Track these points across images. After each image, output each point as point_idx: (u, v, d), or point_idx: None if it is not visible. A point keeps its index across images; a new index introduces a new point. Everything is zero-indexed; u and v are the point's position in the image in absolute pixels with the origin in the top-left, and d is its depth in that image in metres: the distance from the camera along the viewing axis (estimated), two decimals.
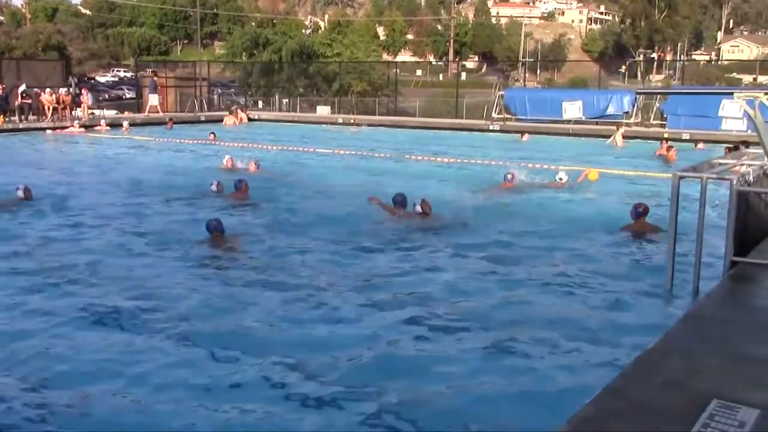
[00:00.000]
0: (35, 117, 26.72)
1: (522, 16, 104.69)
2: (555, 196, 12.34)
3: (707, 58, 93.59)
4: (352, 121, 31.18)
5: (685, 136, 23.23)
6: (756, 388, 3.48)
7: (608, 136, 23.42)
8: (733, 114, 23.58)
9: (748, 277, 5.75)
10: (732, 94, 7.21)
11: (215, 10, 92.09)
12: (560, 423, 3.12)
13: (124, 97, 44.84)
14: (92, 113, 29.23)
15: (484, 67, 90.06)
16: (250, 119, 32.73)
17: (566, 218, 10.22)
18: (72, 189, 12.65)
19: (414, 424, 4.24)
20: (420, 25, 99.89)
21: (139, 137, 23.83)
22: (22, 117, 26.15)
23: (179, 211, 10.83)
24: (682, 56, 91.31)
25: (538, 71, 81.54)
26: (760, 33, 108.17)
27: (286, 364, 5.00)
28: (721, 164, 6.92)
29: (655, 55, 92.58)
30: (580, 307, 6.31)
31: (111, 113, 31.78)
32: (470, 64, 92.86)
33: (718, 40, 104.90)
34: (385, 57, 79.18)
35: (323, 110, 35.46)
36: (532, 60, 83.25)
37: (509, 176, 12.93)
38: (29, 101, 26.41)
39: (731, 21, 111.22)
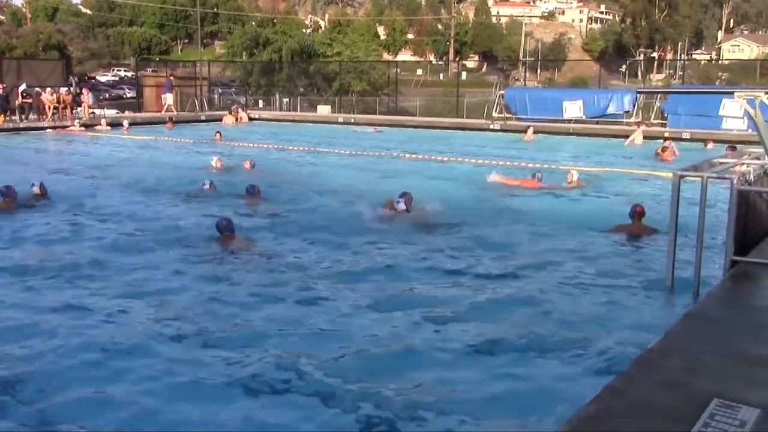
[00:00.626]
0: (36, 116, 26.72)
1: (522, 16, 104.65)
2: (555, 196, 12.34)
3: (708, 57, 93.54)
4: (352, 120, 31.17)
5: (686, 136, 23.22)
6: (756, 388, 3.47)
7: (608, 136, 23.40)
8: (733, 113, 23.55)
9: (748, 277, 5.74)
10: (732, 93, 7.21)
11: (215, 10, 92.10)
12: (560, 423, 3.11)
13: (124, 96, 44.84)
14: (92, 113, 29.22)
15: (485, 66, 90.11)
16: (250, 119, 32.73)
17: (566, 218, 10.21)
18: (73, 188, 12.63)
19: (414, 424, 4.24)
20: (420, 24, 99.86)
21: (144, 137, 23.82)
22: (23, 116, 26.15)
23: (187, 209, 10.88)
24: (682, 56, 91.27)
25: (539, 71, 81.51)
26: (760, 32, 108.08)
27: (290, 362, 5.00)
28: (721, 163, 6.92)
29: (655, 55, 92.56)
30: (580, 307, 6.30)
31: (111, 113, 31.78)
32: (471, 64, 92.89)
33: (719, 40, 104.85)
34: (386, 56, 79.18)
35: (323, 110, 35.47)
36: (532, 59, 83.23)
37: (539, 175, 13.05)
38: (30, 101, 26.41)
39: (732, 20, 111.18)
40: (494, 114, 28.74)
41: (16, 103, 26.04)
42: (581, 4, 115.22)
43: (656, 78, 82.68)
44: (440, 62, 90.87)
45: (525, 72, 56.67)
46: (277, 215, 10.38)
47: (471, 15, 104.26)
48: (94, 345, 5.36)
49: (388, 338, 5.53)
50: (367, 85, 41.42)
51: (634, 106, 26.77)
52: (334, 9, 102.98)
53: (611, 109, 26.87)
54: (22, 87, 26.21)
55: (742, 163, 6.96)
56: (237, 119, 31.55)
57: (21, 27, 59.44)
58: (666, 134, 22.65)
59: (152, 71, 40.92)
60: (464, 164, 17.11)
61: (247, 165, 14.81)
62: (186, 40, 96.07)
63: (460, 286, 6.94)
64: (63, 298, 6.43)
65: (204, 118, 31.81)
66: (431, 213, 10.05)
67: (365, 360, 5.12)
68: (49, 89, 26.77)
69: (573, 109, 27.10)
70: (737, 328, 4.50)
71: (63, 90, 27.40)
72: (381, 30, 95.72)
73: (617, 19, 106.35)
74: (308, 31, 68.67)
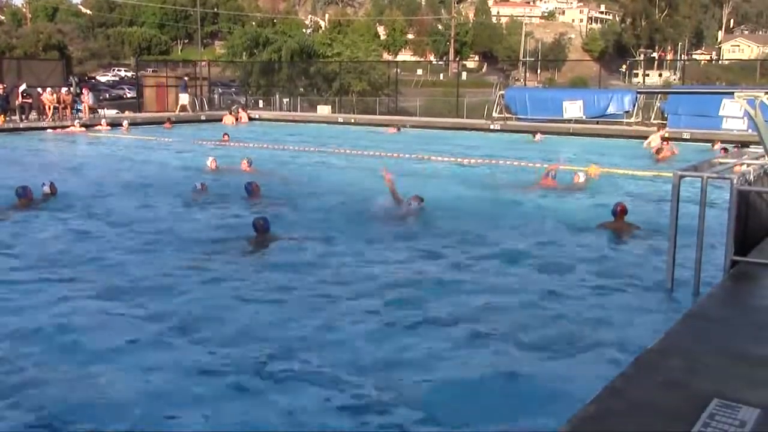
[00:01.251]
0: (36, 116, 26.72)
1: (522, 16, 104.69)
2: (555, 196, 12.34)
3: (708, 57, 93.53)
4: (353, 120, 31.16)
5: (686, 136, 23.21)
6: (756, 388, 3.47)
7: (608, 136, 23.37)
8: (733, 113, 23.55)
9: (748, 277, 5.74)
10: (732, 93, 7.21)
11: (216, 10, 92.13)
12: (560, 423, 3.12)
13: (124, 96, 44.85)
14: (95, 111, 29.21)
15: (485, 66, 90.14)
16: (251, 119, 32.71)
17: (565, 218, 10.22)
18: (74, 188, 12.64)
19: (414, 424, 4.24)
20: (420, 24, 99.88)
21: (144, 137, 23.83)
22: (23, 116, 26.15)
23: (187, 209, 10.92)
24: (682, 56, 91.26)
25: (539, 71, 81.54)
26: (760, 32, 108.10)
27: (291, 361, 5.01)
28: (721, 163, 6.92)
29: (655, 55, 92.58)
30: (580, 307, 6.30)
31: (111, 113, 31.80)
32: (471, 64, 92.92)
33: (719, 40, 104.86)
34: (386, 56, 79.16)
35: (324, 110, 35.46)
36: (532, 59, 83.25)
37: (553, 173, 13.09)
38: (30, 101, 26.41)
39: (732, 20, 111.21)
40: (494, 114, 28.74)
41: (17, 103, 26.04)
42: (581, 4, 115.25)
43: (657, 79, 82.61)
44: (440, 62, 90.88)
45: (525, 72, 56.66)
46: (278, 213, 10.41)
47: (471, 15, 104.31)
48: (98, 344, 5.37)
49: (388, 337, 5.53)
50: (367, 85, 41.40)
51: (634, 106, 26.77)
52: (334, 9, 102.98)
53: (611, 110, 26.87)
54: (23, 87, 26.21)
55: (742, 163, 6.96)
56: (237, 119, 31.56)
57: (21, 27, 59.41)
58: (666, 134, 22.63)
59: (152, 71, 40.88)
60: (481, 166, 17.04)
61: (243, 164, 14.80)
62: (186, 40, 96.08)
63: (459, 285, 6.94)
64: (65, 295, 6.46)
65: (204, 118, 31.81)
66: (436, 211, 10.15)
67: (366, 357, 5.13)
68: (49, 89, 26.77)
69: (573, 109, 27.10)
70: (737, 328, 4.50)
71: (63, 90, 27.40)
72: (381, 30, 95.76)
73: (617, 19, 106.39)
74: (308, 31, 68.69)
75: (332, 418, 4.32)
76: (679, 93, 26.89)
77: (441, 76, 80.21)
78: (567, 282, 7.05)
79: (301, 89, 41.09)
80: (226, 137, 22.52)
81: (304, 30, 66.33)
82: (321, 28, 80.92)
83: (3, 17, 72.83)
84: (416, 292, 6.71)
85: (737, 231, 5.87)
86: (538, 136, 24.01)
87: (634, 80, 78.29)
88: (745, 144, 15.78)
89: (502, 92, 29.68)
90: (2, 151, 19.43)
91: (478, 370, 4.97)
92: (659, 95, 28.10)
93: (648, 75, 80.00)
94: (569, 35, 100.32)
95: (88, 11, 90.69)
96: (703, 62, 78.43)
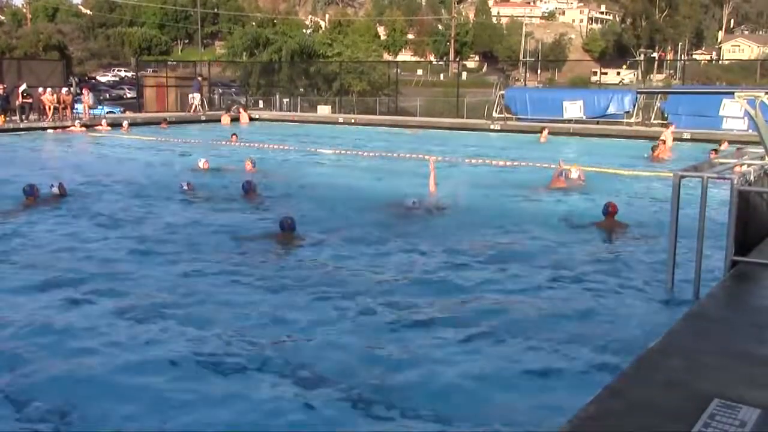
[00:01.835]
0: (36, 117, 26.72)
1: (523, 16, 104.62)
2: (555, 195, 12.34)
3: (708, 57, 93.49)
4: (353, 120, 31.13)
5: (686, 136, 23.20)
6: (757, 388, 3.47)
7: (607, 136, 23.31)
8: (733, 113, 23.55)
9: (748, 277, 5.74)
10: (733, 93, 7.21)
11: (216, 10, 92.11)
12: (560, 423, 3.11)
13: (125, 96, 44.83)
14: (98, 110, 29.20)
15: (485, 66, 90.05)
16: (251, 119, 32.67)
17: (565, 217, 10.22)
18: (76, 188, 12.63)
19: (414, 424, 4.24)
20: (421, 24, 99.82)
21: (145, 137, 23.82)
22: (23, 117, 26.15)
23: (188, 210, 10.95)
24: (682, 56, 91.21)
25: (539, 71, 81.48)
26: (760, 32, 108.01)
27: (295, 360, 5.01)
28: (721, 163, 6.91)
29: (655, 55, 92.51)
30: (581, 307, 6.31)
31: (114, 111, 31.79)
32: (471, 64, 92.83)
33: (719, 40, 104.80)
34: (386, 57, 79.13)
35: (324, 110, 35.45)
36: (532, 60, 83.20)
37: (565, 173, 13.15)
38: (30, 101, 26.40)
39: (732, 21, 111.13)
40: (494, 114, 28.73)
41: (17, 103, 26.04)
42: (581, 4, 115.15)
43: (656, 78, 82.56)
44: (440, 62, 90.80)
45: (525, 72, 56.58)
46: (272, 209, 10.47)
47: (471, 15, 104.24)
48: (104, 342, 5.38)
49: (390, 337, 5.53)
50: (368, 85, 41.38)
51: (634, 106, 26.77)
52: (335, 9, 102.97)
53: (611, 110, 26.87)
54: (23, 87, 26.20)
55: (742, 163, 6.95)
56: (233, 120, 31.34)
57: (21, 27, 59.39)
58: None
59: (152, 71, 40.86)
60: (493, 166, 17.01)
61: (248, 165, 14.80)
62: (186, 41, 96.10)
63: (459, 285, 6.94)
64: (68, 295, 6.48)
65: (204, 119, 31.80)
66: (437, 211, 10.17)
67: (367, 355, 5.13)
68: (49, 89, 26.76)
69: (573, 109, 27.10)
70: (737, 328, 4.50)
71: (63, 90, 27.40)
72: (381, 30, 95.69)
73: (617, 19, 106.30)
74: (308, 31, 68.53)
75: (336, 416, 4.32)
76: (679, 93, 26.88)
77: (441, 76, 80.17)
78: (567, 282, 7.05)
79: (301, 89, 41.08)
80: (234, 138, 22.49)
81: (304, 30, 66.22)
82: (321, 28, 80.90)
83: (3, 17, 72.78)
84: (416, 292, 6.71)
85: (737, 231, 5.87)
86: (544, 134, 23.80)
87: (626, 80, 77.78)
88: (733, 142, 15.81)
89: (502, 92, 29.67)
90: (2, 151, 19.43)
91: (478, 369, 4.97)
92: (659, 95, 28.08)
93: (650, 79, 79.71)
94: (569, 35, 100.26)
95: (88, 11, 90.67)
96: (703, 62, 78.34)
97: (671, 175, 6.26)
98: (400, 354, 5.22)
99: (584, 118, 27.02)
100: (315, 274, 7.31)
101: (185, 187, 12.14)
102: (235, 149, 20.24)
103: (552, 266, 7.61)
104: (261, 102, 40.32)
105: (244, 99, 40.62)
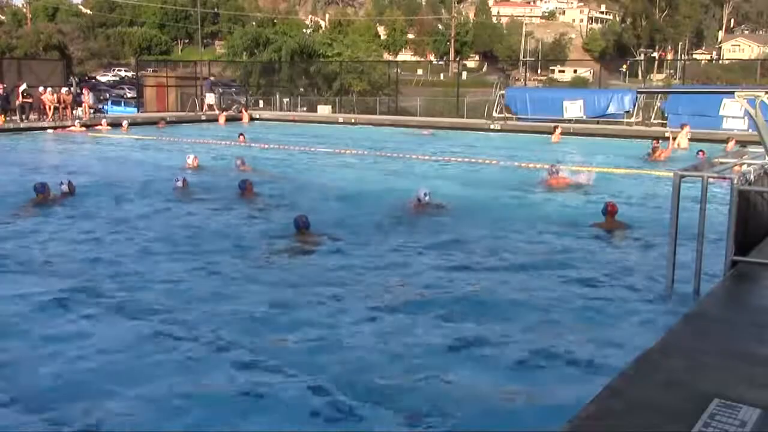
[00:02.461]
0: (36, 116, 26.72)
1: (523, 16, 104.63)
2: (555, 195, 12.34)
3: (708, 57, 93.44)
4: (353, 120, 31.12)
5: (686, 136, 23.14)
6: (757, 388, 3.47)
7: (608, 136, 23.26)
8: (733, 113, 23.54)
9: (748, 277, 5.74)
10: (733, 93, 7.21)
11: (216, 10, 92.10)
12: (560, 423, 3.11)
13: (125, 96, 44.82)
14: (97, 109, 29.17)
15: (485, 66, 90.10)
16: (251, 119, 32.65)
17: (565, 217, 10.22)
18: (77, 188, 12.64)
19: (414, 424, 4.24)
20: (421, 24, 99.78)
21: (145, 137, 23.83)
22: (23, 116, 26.15)
23: (189, 209, 10.96)
24: (682, 55, 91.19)
25: (539, 70, 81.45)
26: (761, 32, 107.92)
27: (299, 360, 5.01)
28: (721, 163, 6.91)
29: (656, 55, 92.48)
30: (581, 307, 6.30)
31: (115, 110, 31.82)
32: (471, 64, 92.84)
33: (719, 40, 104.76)
34: (386, 56, 79.13)
35: (324, 110, 35.44)
36: (532, 59, 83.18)
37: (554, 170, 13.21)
38: (30, 101, 26.40)
39: (732, 20, 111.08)
40: (495, 114, 28.72)
41: (17, 103, 26.04)
42: (581, 4, 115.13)
43: (657, 78, 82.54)
44: (440, 62, 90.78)
45: (525, 72, 56.54)
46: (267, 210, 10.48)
47: (471, 15, 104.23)
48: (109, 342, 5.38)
49: (392, 337, 5.53)
50: (368, 85, 41.40)
51: (634, 106, 26.76)
52: (335, 9, 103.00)
53: (612, 109, 26.87)
54: (23, 87, 26.20)
55: (742, 163, 6.95)
56: (227, 119, 31.29)
57: (21, 27, 59.39)
58: (667, 134, 22.60)
59: (152, 71, 40.85)
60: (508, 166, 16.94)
61: (241, 164, 14.84)
62: (186, 40, 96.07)
63: (459, 285, 6.94)
64: (69, 294, 6.48)
65: (204, 118, 31.81)
66: (441, 209, 10.21)
67: (361, 361, 5.13)
68: (49, 89, 26.76)
69: (573, 109, 27.09)
70: (738, 328, 4.50)
71: (63, 90, 27.40)
72: (381, 30, 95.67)
73: (617, 19, 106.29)
74: (308, 31, 68.53)
75: (338, 414, 4.33)
76: (679, 93, 26.87)
77: (441, 75, 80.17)
78: (566, 282, 7.05)
79: (302, 89, 41.08)
80: (241, 138, 22.45)
81: (304, 30, 66.23)
82: (321, 28, 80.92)
83: (3, 17, 72.79)
84: (416, 291, 6.71)
85: (737, 231, 5.87)
86: (557, 134, 23.13)
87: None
88: (701, 150, 15.79)
89: (502, 92, 29.66)
90: (2, 151, 19.44)
91: (477, 369, 4.97)
92: (659, 95, 28.07)
93: (650, 78, 79.62)
94: (569, 35, 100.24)
95: (89, 11, 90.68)
96: (703, 62, 78.29)
97: (671, 174, 6.25)
98: (399, 353, 5.22)
99: (584, 117, 27.01)
100: (315, 273, 7.32)
101: (180, 184, 12.16)
102: (244, 149, 20.20)
103: (551, 266, 7.60)
104: (261, 102, 40.32)
105: (245, 99, 40.62)
